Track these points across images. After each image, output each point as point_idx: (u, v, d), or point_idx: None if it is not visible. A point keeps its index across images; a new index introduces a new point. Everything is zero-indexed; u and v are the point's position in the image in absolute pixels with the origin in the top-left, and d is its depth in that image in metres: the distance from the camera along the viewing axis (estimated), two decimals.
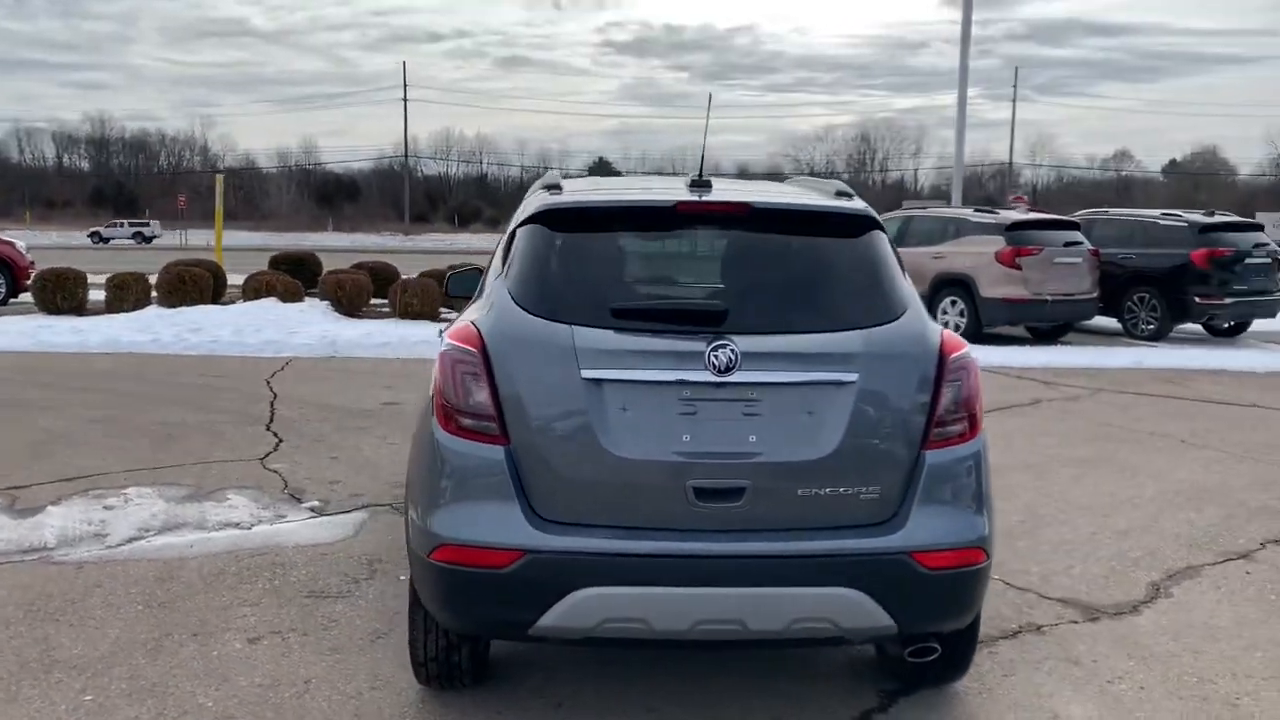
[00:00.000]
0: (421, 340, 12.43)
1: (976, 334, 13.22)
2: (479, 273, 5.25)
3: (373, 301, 15.09)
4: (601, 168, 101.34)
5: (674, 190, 3.50)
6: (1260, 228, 14.80)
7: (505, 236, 3.65)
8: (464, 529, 3.07)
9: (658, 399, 3.05)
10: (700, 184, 3.51)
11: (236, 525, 5.44)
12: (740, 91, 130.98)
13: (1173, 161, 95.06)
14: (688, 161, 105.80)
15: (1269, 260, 14.08)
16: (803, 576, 3.00)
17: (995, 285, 13.18)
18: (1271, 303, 14.12)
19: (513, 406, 3.07)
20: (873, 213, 3.49)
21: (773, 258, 3.32)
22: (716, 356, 3.04)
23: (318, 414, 8.39)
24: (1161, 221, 14.34)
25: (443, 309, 13.80)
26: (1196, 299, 13.63)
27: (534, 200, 3.58)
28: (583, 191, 3.58)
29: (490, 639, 3.54)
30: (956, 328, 13.71)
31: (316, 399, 9.07)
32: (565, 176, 3.96)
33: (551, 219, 3.38)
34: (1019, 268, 13.08)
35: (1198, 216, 14.38)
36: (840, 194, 3.67)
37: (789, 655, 3.93)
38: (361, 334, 12.52)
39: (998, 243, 13.33)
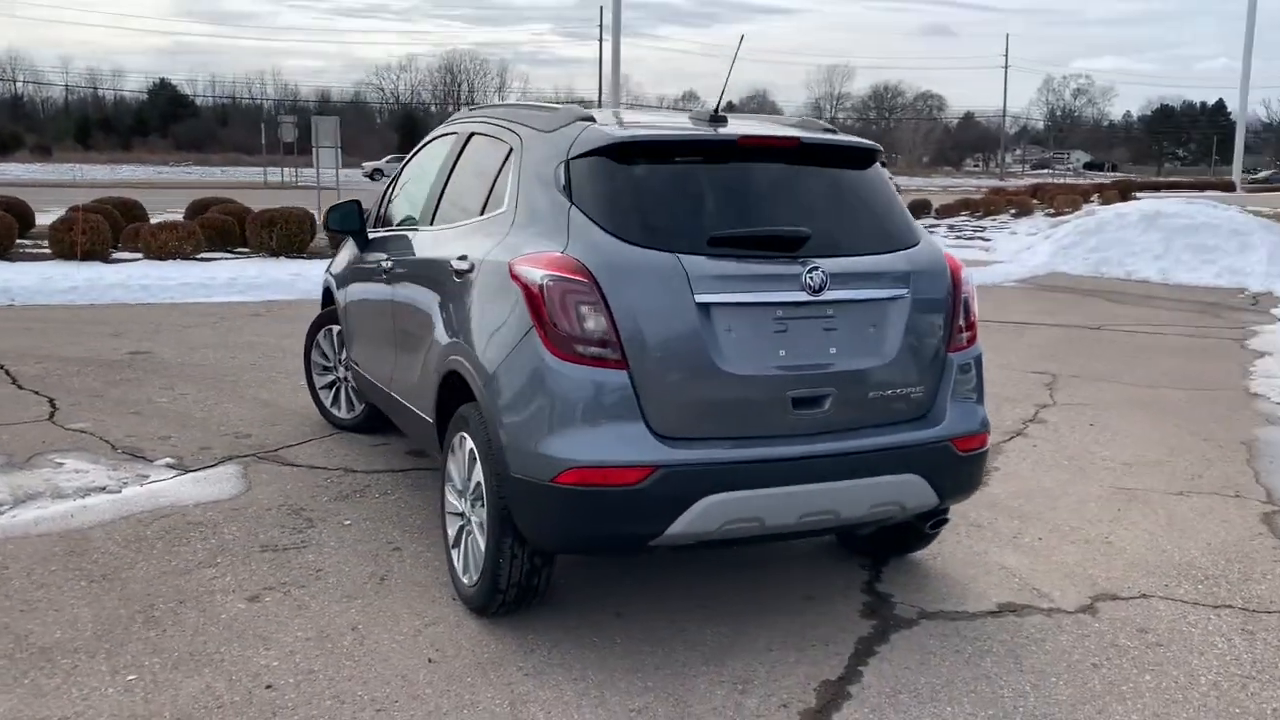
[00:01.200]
0: (117, 283, 11.30)
1: None
2: (359, 206, 5.11)
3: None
4: (164, 90, 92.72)
5: (699, 124, 3.74)
6: None
7: (515, 167, 3.76)
8: (593, 451, 3.18)
9: (757, 319, 3.32)
10: (718, 118, 3.77)
11: (103, 489, 4.93)
12: (310, 14, 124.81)
13: (730, 105, 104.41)
14: (268, 85, 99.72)
15: None
16: (881, 467, 3.44)
17: None
18: None
19: (630, 332, 3.21)
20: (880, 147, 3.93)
21: (824, 187, 3.66)
22: (811, 278, 3.36)
23: (64, 368, 7.52)
24: None
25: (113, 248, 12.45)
26: None
27: (574, 130, 3.62)
28: (641, 125, 3.69)
29: (606, 555, 3.72)
30: None
31: (47, 352, 8.07)
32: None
33: (620, 152, 3.48)
34: None
35: None
36: (829, 130, 4.07)
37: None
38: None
39: None
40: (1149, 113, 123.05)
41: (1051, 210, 19.68)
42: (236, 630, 3.56)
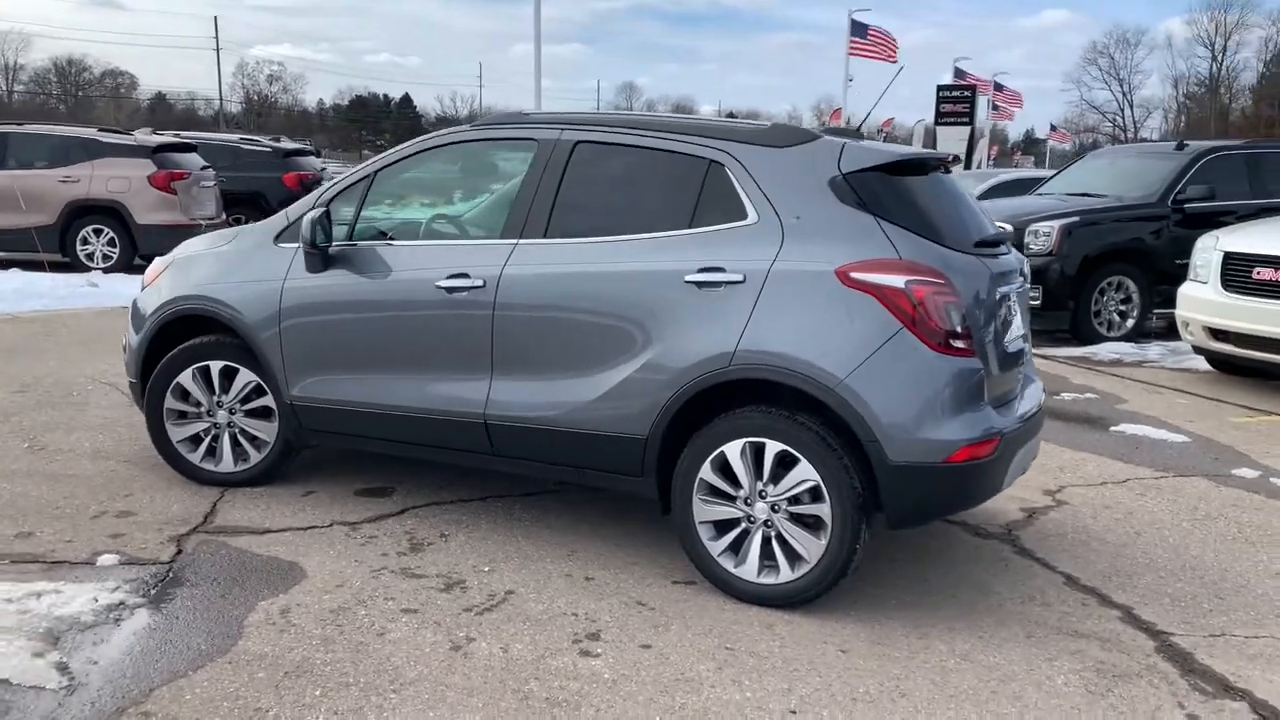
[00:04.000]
0: None
1: (130, 263, 12.53)
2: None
3: None
4: None
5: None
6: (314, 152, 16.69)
7: (748, 180, 3.95)
8: (973, 429, 3.72)
9: (1005, 305, 4.10)
10: (858, 134, 4.41)
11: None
12: None
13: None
14: None
15: None
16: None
17: (151, 211, 12.58)
18: None
19: (973, 324, 3.79)
20: None
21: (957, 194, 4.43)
22: (1024, 270, 4.23)
23: None
24: (245, 146, 15.17)
25: None
26: None
27: (826, 146, 3.95)
28: (883, 146, 4.12)
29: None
30: (105, 258, 12.70)
31: None
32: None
33: (891, 168, 3.95)
34: (174, 192, 12.72)
35: (278, 143, 15.63)
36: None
37: None
38: None
39: (148, 166, 12.66)
40: (344, 102, 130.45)
41: None
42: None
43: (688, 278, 3.93)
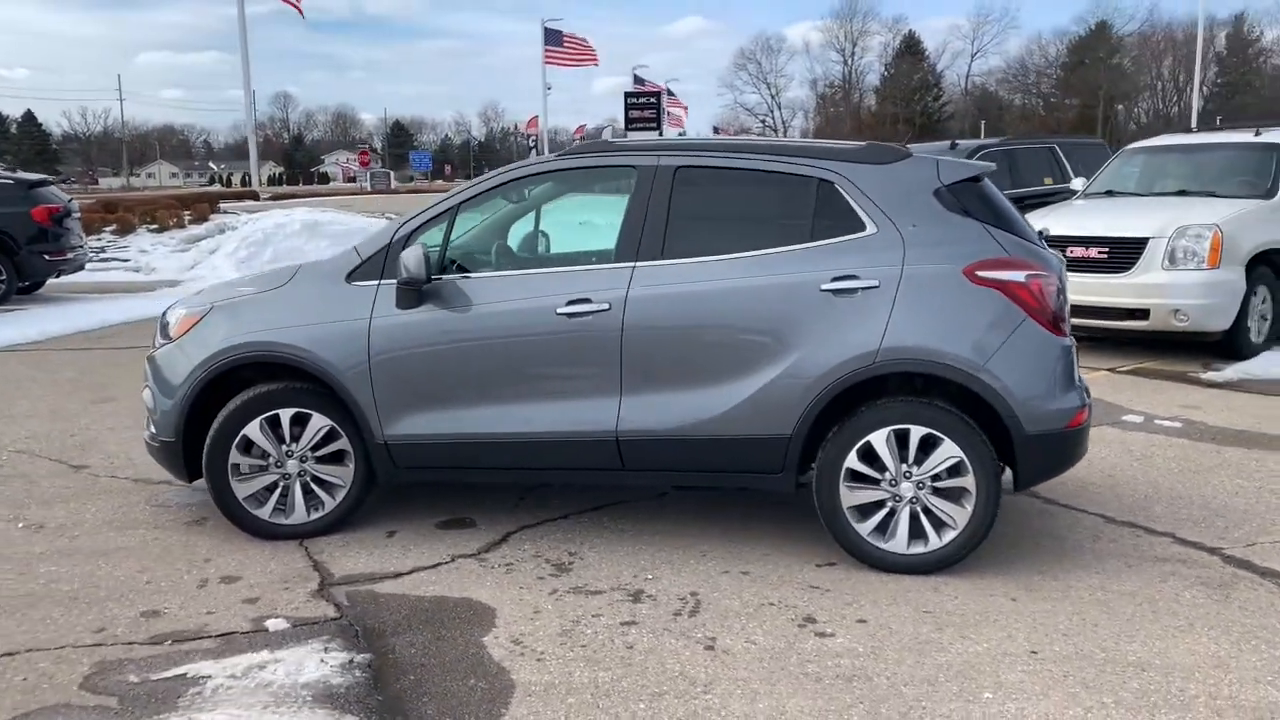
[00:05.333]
0: None
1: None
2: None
3: None
4: None
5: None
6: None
7: (859, 196, 4.39)
8: (1080, 398, 4.41)
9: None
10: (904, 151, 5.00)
11: None
12: None
13: None
14: None
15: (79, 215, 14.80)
16: None
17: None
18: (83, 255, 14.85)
19: (1066, 308, 4.47)
20: None
21: None
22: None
23: None
24: None
25: None
26: (46, 256, 13.62)
27: (921, 163, 4.49)
28: (963, 161, 4.68)
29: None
30: None
31: None
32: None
33: (976, 179, 4.57)
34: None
35: (16, 174, 14.07)
36: None
37: None
38: None
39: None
40: None
41: (157, 226, 19.33)
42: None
43: (823, 286, 4.33)
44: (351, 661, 3.62)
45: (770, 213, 4.55)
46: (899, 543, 4.36)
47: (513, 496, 5.33)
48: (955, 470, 4.28)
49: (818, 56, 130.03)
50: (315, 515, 4.82)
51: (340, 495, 4.82)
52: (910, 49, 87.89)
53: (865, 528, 4.39)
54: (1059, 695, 3.37)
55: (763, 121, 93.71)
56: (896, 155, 4.57)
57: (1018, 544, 4.70)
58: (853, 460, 4.35)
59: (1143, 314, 8.68)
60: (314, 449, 4.77)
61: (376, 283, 4.68)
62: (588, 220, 5.45)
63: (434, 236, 4.77)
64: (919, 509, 4.35)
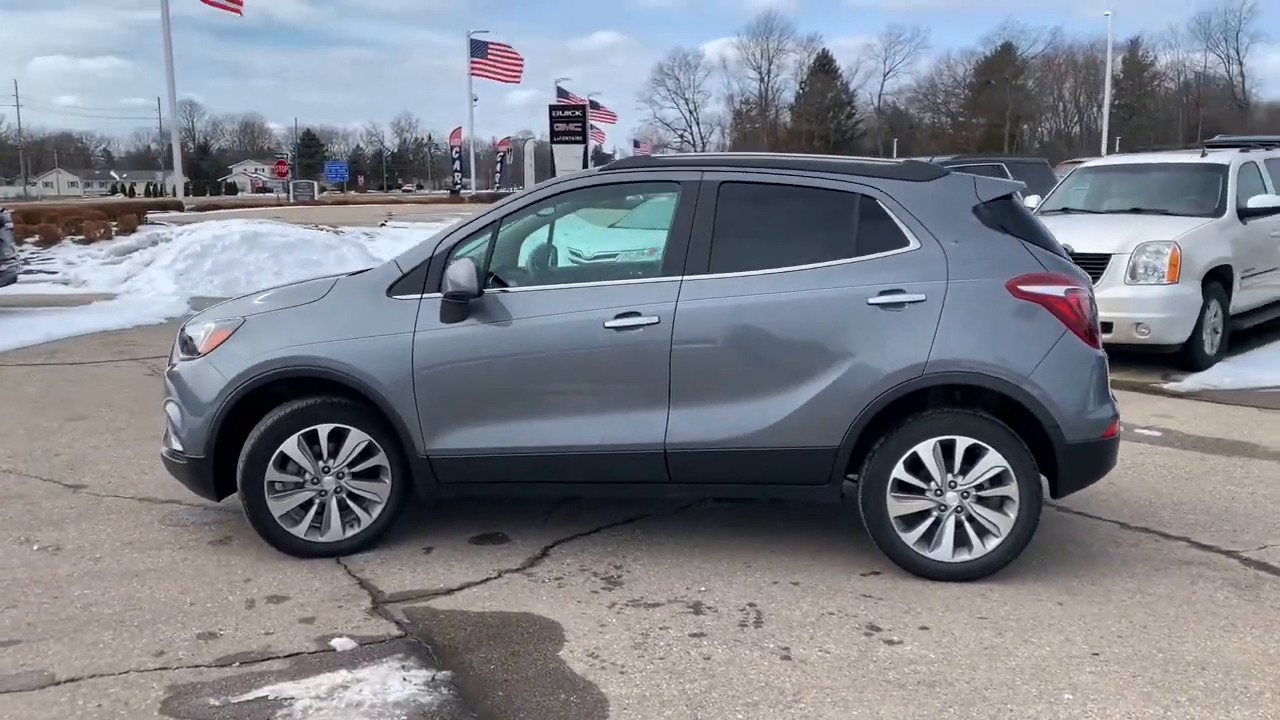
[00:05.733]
0: None
1: None
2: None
3: None
4: None
5: None
6: None
7: (902, 211, 4.49)
8: (1113, 407, 4.59)
9: None
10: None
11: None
12: None
13: None
14: None
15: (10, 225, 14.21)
16: None
17: None
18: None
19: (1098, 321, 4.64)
20: None
21: None
22: None
23: None
24: None
25: None
26: None
27: (960, 181, 4.63)
28: (996, 180, 4.82)
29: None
30: None
31: None
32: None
33: (1009, 196, 4.72)
34: None
35: None
36: None
37: None
38: None
39: None
40: None
41: (83, 237, 18.69)
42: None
43: (871, 300, 4.43)
44: (434, 679, 3.58)
45: (814, 227, 4.63)
46: (944, 551, 4.46)
47: (541, 511, 5.32)
48: (999, 479, 4.41)
49: (734, 73, 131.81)
50: (351, 532, 4.74)
51: (376, 512, 4.76)
52: (824, 68, 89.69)
53: (911, 537, 4.48)
54: (1134, 695, 3.49)
55: (681, 136, 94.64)
56: (935, 172, 4.70)
57: (1046, 550, 4.84)
58: (899, 471, 4.45)
59: (1106, 327, 8.99)
60: (350, 465, 4.69)
61: (419, 296, 4.64)
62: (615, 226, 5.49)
63: (473, 250, 4.74)
64: (963, 518, 4.46)
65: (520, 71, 41.58)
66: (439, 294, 4.62)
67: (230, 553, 4.80)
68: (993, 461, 4.40)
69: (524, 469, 4.63)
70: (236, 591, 4.35)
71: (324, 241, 17.53)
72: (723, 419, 4.50)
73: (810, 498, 4.64)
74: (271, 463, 4.62)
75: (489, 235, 4.73)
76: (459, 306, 4.57)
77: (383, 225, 24.20)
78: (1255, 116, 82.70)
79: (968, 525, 4.46)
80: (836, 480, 4.53)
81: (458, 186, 56.68)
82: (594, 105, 54.26)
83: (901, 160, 4.91)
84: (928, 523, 4.48)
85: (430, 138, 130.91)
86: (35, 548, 4.87)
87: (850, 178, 4.63)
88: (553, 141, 50.39)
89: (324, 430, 4.64)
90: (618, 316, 4.51)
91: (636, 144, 79.07)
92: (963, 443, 4.40)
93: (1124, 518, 5.34)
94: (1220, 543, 4.98)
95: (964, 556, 4.46)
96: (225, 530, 5.06)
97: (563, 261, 5.21)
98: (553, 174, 57.49)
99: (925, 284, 4.43)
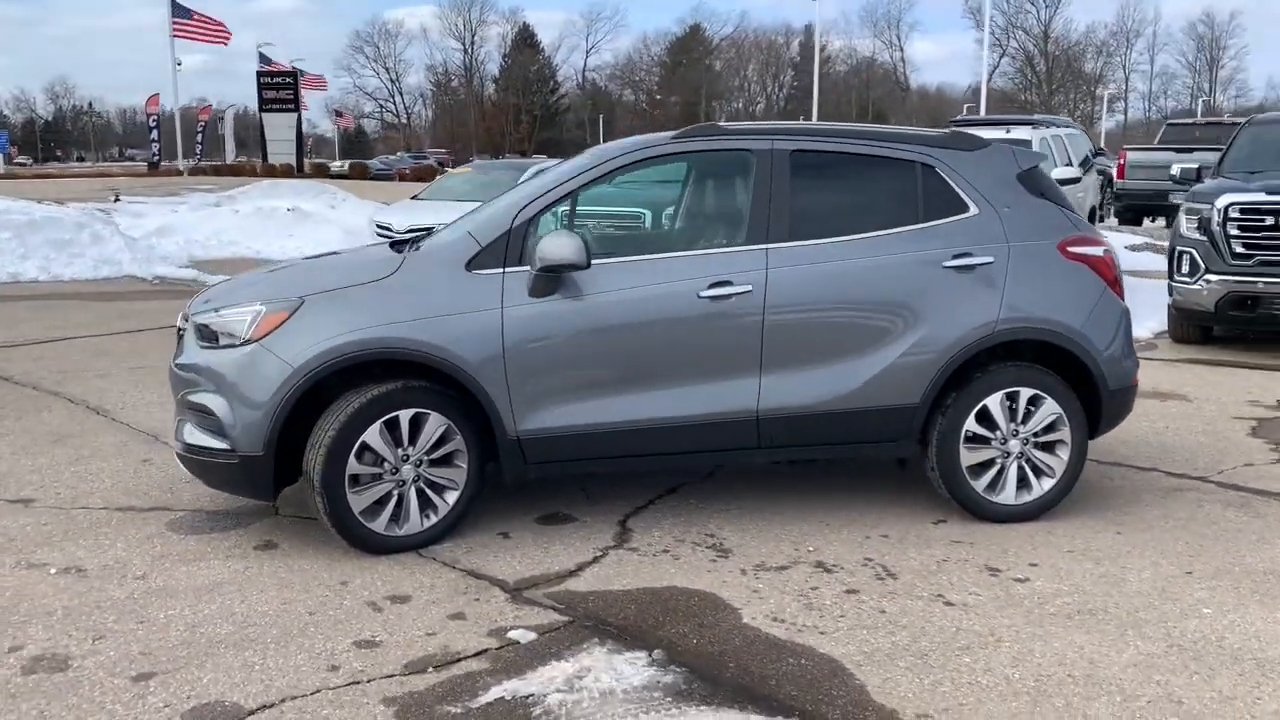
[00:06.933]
0: None
1: None
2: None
3: None
4: None
5: None
6: None
7: (961, 180, 4.77)
8: (1137, 359, 5.12)
9: None
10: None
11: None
12: None
13: None
14: None
15: None
16: None
17: None
18: None
19: None
20: None
21: None
22: None
23: None
24: None
25: None
26: None
27: (1001, 148, 4.97)
28: (1028, 150, 5.14)
29: None
30: None
31: None
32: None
33: (1038, 166, 5.12)
34: None
35: None
36: None
37: None
38: None
39: None
40: None
41: None
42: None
43: (946, 263, 4.69)
44: (653, 658, 3.49)
45: (881, 195, 4.82)
46: (1009, 494, 4.81)
47: (575, 487, 5.20)
48: (1052, 426, 4.80)
49: (437, 44, 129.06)
50: (429, 523, 4.46)
51: (453, 499, 4.50)
52: (527, 41, 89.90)
53: (980, 484, 4.80)
54: (1255, 606, 3.97)
55: (382, 106, 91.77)
56: (980, 143, 5.01)
57: (1083, 485, 5.26)
58: (971, 423, 4.75)
59: None
60: (428, 452, 4.41)
61: (501, 270, 4.41)
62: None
63: (549, 220, 4.56)
64: (1024, 462, 4.83)
65: (224, 37, 38.89)
66: (520, 267, 4.42)
67: (289, 557, 4.38)
68: (1050, 409, 4.78)
69: (616, 444, 4.53)
70: (347, 596, 3.99)
71: (74, 220, 15.73)
72: (813, 383, 4.61)
73: (888, 455, 4.86)
74: (352, 455, 4.25)
75: (568, 205, 4.57)
76: (550, 280, 4.39)
77: (116, 202, 21.97)
78: (911, 100, 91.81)
79: (1028, 468, 4.84)
80: (912, 435, 4.76)
81: (155, 158, 51.99)
82: (301, 73, 51.60)
83: (948, 130, 5.18)
84: (993, 471, 4.81)
85: (91, 105, 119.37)
86: (52, 571, 4.22)
87: (911, 147, 4.85)
88: (262, 110, 47.72)
89: (405, 416, 4.32)
90: (711, 286, 4.50)
91: (339, 114, 75.93)
92: (1025, 394, 4.76)
93: (1095, 455, 5.92)
94: (1187, 470, 5.67)
95: (1025, 498, 4.83)
96: (259, 534, 4.61)
97: (644, 230, 5.09)
98: (262, 143, 54.32)
99: (989, 247, 4.74)
